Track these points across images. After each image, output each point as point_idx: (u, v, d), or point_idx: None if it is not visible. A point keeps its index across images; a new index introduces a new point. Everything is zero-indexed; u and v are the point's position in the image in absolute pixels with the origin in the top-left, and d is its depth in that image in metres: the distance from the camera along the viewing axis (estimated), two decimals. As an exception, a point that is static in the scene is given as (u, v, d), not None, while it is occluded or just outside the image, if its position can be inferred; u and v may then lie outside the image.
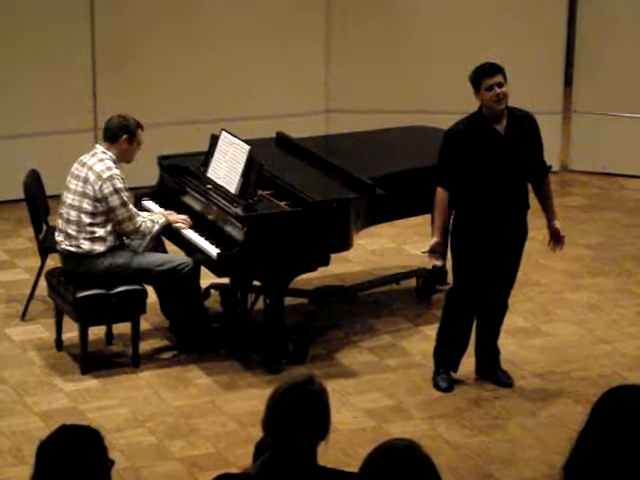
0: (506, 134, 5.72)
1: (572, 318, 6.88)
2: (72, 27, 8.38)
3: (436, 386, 5.99)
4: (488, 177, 5.69)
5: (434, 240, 5.81)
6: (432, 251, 5.81)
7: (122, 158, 6.14)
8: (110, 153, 6.10)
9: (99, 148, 6.14)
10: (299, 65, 8.99)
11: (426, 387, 6.02)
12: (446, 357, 6.02)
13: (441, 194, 5.77)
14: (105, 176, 6.03)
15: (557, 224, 5.97)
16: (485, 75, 5.67)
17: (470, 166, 5.68)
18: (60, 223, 6.18)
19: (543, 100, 9.04)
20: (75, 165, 6.18)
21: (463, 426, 5.69)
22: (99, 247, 6.07)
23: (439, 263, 6.06)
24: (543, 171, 5.91)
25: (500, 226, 5.76)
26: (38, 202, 6.74)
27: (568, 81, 9.36)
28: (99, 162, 6.08)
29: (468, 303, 5.89)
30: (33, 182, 6.77)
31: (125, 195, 6.05)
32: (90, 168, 6.08)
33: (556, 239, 5.98)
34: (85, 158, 6.15)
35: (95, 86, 8.52)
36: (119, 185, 6.03)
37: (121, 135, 6.09)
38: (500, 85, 5.67)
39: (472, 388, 6.03)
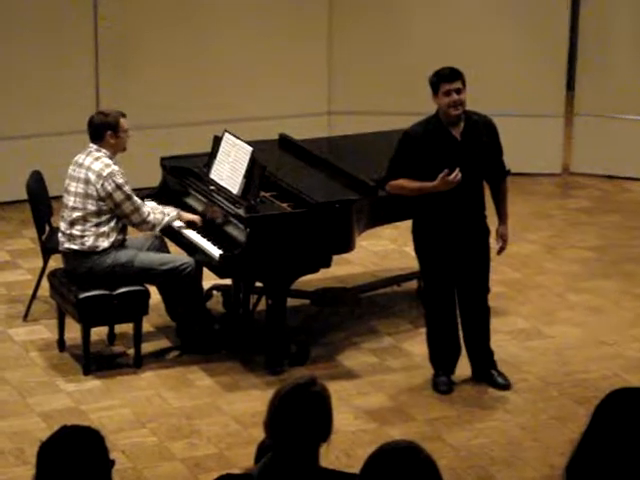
0: (462, 139, 5.75)
1: (573, 320, 6.89)
2: (75, 28, 8.40)
3: (436, 389, 6.01)
4: None
5: (434, 183, 5.66)
6: (443, 178, 5.63)
7: (115, 151, 6.15)
8: (104, 150, 6.12)
9: (93, 147, 6.15)
10: (302, 67, 9.00)
11: (427, 389, 6.03)
12: (440, 361, 6.04)
13: (395, 182, 5.75)
14: (105, 174, 6.04)
15: (505, 229, 5.98)
16: (444, 80, 5.69)
17: (426, 169, 5.70)
18: (63, 225, 6.19)
19: (545, 103, 9.06)
20: (71, 167, 6.18)
21: (464, 428, 5.70)
22: (102, 243, 6.08)
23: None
24: (501, 175, 5.94)
25: (459, 229, 5.79)
26: (41, 203, 6.75)
27: (570, 84, 9.37)
28: (96, 161, 6.10)
29: (444, 304, 5.92)
30: (36, 183, 6.78)
31: (128, 189, 6.07)
32: (88, 168, 6.09)
33: (503, 242, 5.98)
34: (80, 159, 6.16)
35: (98, 87, 8.54)
36: (120, 180, 6.05)
37: (104, 132, 6.10)
38: (458, 91, 5.69)
39: (472, 390, 6.03)
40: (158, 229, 6.23)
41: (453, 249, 5.82)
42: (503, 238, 5.99)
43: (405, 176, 5.76)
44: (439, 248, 5.82)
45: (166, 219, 6.19)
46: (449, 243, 5.81)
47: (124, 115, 6.17)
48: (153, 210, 6.19)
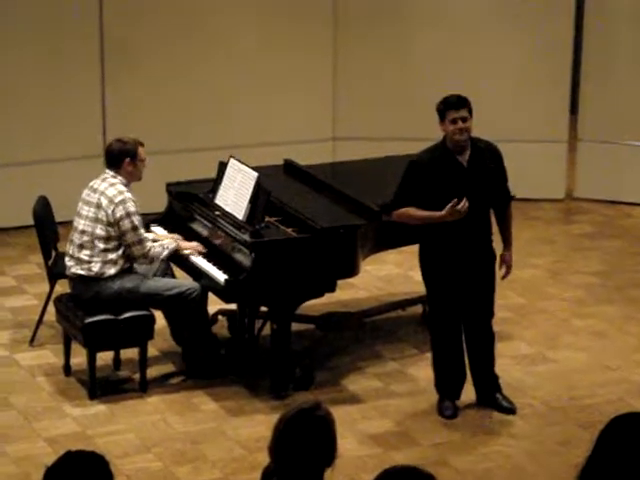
0: (469, 166, 5.78)
1: (578, 345, 6.89)
2: (82, 57, 8.44)
3: (441, 414, 6.01)
4: None
5: (441, 213, 5.67)
6: (452, 212, 5.68)
7: (131, 179, 6.19)
8: (120, 177, 6.15)
9: (109, 173, 6.18)
10: (307, 93, 9.05)
11: (432, 413, 6.03)
12: (446, 386, 6.05)
13: (400, 211, 5.78)
14: (117, 200, 6.08)
15: (510, 254, 6.00)
16: (451, 107, 5.73)
17: (433, 197, 5.72)
18: (71, 249, 6.21)
19: (549, 129, 9.09)
20: (86, 191, 6.22)
21: (469, 453, 5.70)
22: (109, 270, 6.11)
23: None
24: (506, 200, 5.96)
25: (465, 254, 5.81)
26: (47, 228, 6.77)
27: (574, 110, 9.40)
28: (110, 187, 6.13)
29: (450, 331, 5.94)
30: (42, 208, 6.81)
31: (137, 219, 6.09)
32: (102, 193, 6.13)
33: (507, 267, 6.00)
34: (95, 184, 6.20)
35: (104, 113, 8.58)
36: (132, 209, 6.08)
37: (123, 159, 6.14)
38: (464, 119, 5.73)
39: (477, 414, 6.04)
40: (157, 264, 6.25)
41: (460, 274, 5.84)
42: (507, 263, 6.01)
43: (412, 204, 5.78)
44: (446, 273, 5.84)
45: (165, 252, 6.20)
46: (456, 269, 5.83)
47: (142, 144, 6.20)
48: (153, 244, 6.19)
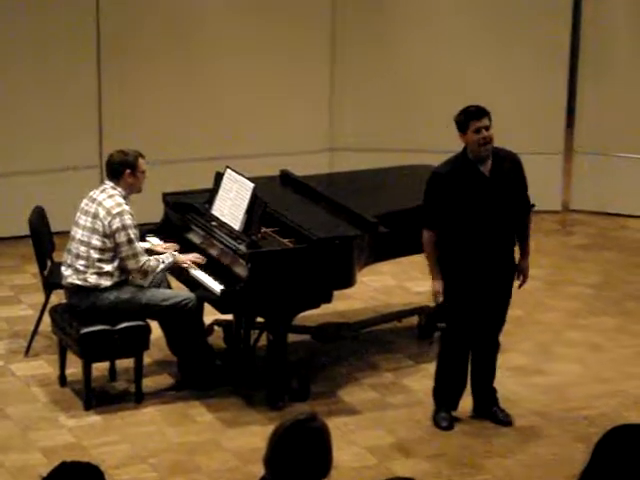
0: (491, 175, 5.77)
1: (573, 357, 6.90)
2: (77, 67, 8.45)
3: (437, 425, 6.00)
4: (474, 218, 5.74)
5: (436, 284, 5.82)
6: (436, 294, 5.83)
7: (130, 191, 6.19)
8: (119, 189, 6.16)
9: (108, 184, 6.19)
10: (304, 104, 9.06)
11: (428, 425, 6.03)
12: (445, 397, 6.04)
13: (427, 236, 5.82)
14: (115, 212, 6.08)
15: (527, 263, 6.00)
16: (473, 117, 5.72)
17: (456, 207, 5.73)
18: (69, 258, 6.21)
19: (545, 140, 9.11)
20: (85, 201, 6.23)
21: (464, 464, 5.70)
22: (105, 282, 6.10)
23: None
24: (526, 209, 5.97)
25: (488, 265, 5.80)
26: (43, 238, 6.77)
27: (570, 122, 9.42)
28: (109, 198, 6.13)
29: (462, 342, 5.93)
30: (38, 218, 6.81)
31: (133, 232, 6.09)
32: (100, 204, 6.13)
33: (523, 277, 6.00)
34: (95, 194, 6.20)
35: (101, 123, 8.58)
36: (128, 222, 6.08)
37: (123, 171, 6.14)
38: (487, 128, 5.73)
39: (473, 426, 6.04)
40: (150, 278, 6.24)
41: (479, 286, 5.81)
42: (524, 273, 5.99)
43: (439, 216, 5.74)
44: (466, 286, 5.81)
45: (161, 266, 6.19)
46: (476, 280, 5.79)
47: (143, 156, 6.21)
48: (148, 259, 6.18)
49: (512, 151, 5.93)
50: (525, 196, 5.94)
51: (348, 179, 7.37)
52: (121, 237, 6.07)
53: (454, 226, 5.76)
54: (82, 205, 6.22)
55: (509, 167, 5.83)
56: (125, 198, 6.15)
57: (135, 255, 6.10)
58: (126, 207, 6.11)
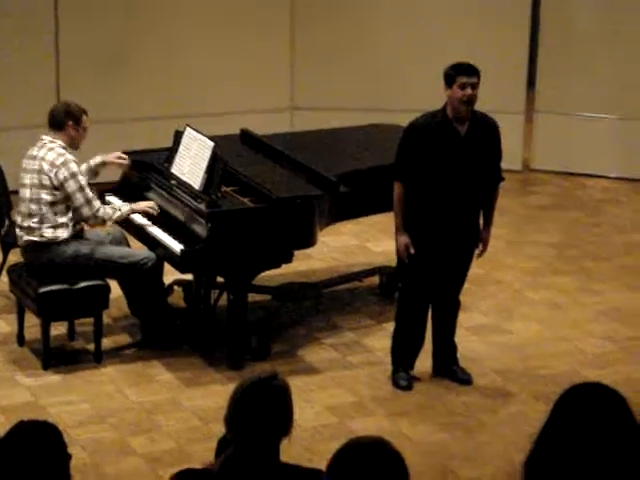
0: (466, 136, 5.75)
1: (533, 316, 6.93)
2: (36, 22, 8.33)
3: (396, 385, 6.02)
4: (443, 176, 5.72)
5: (403, 237, 5.79)
6: (406, 246, 5.78)
7: (70, 145, 6.12)
8: (59, 141, 6.08)
9: (46, 138, 6.12)
10: (264, 63, 8.99)
11: (388, 384, 6.05)
12: (403, 356, 6.05)
13: (399, 189, 5.79)
14: (59, 162, 6.02)
15: (488, 233, 5.98)
16: (462, 73, 5.68)
17: (426, 163, 5.70)
18: (20, 219, 6.15)
19: (506, 100, 9.09)
20: (25, 160, 6.15)
21: (424, 423, 5.73)
22: (62, 234, 6.05)
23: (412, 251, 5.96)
24: (496, 180, 5.95)
25: (452, 225, 5.79)
26: (0, 196, 6.70)
27: (531, 82, 9.42)
28: (49, 151, 6.07)
29: (420, 301, 5.93)
30: (-6, 177, 6.73)
31: (81, 179, 6.04)
32: (42, 159, 6.06)
33: (483, 246, 5.99)
34: (34, 151, 6.13)
35: (59, 80, 8.48)
36: (74, 169, 6.02)
37: (67, 121, 6.08)
38: (474, 86, 5.68)
39: (432, 385, 6.06)
40: (109, 224, 6.20)
41: (441, 245, 5.80)
42: (484, 243, 5.99)
43: (410, 168, 5.70)
44: (428, 244, 5.80)
45: (117, 214, 6.15)
46: (439, 239, 5.79)
47: (86, 113, 6.15)
48: (102, 206, 6.13)
49: (493, 118, 5.88)
50: (498, 166, 5.93)
51: (310, 138, 7.33)
52: (71, 186, 6.01)
53: (423, 181, 5.74)
54: (23, 165, 6.15)
55: (486, 132, 5.80)
56: (65, 149, 6.08)
57: (88, 201, 6.05)
58: (69, 156, 6.05)
